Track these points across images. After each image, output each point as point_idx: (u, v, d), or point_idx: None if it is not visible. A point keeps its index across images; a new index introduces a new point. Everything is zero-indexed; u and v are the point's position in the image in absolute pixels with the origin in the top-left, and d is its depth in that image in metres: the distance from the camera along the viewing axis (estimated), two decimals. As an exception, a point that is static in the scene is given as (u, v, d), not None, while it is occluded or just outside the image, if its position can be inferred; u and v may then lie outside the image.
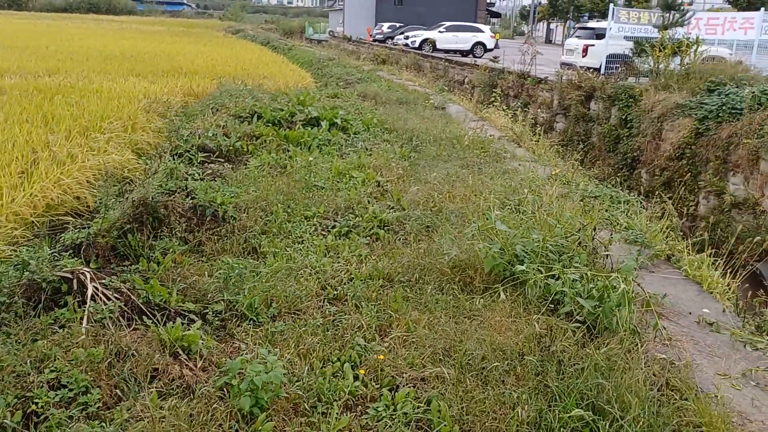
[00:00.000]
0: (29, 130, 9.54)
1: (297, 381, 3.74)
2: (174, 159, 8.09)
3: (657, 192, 14.95)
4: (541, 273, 4.75)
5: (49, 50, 24.20)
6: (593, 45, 21.13)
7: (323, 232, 6.36)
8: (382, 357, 3.90)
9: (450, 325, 4.36)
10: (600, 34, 20.95)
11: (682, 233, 10.82)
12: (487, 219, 5.80)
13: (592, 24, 25.94)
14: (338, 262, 5.57)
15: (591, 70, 19.63)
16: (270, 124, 10.69)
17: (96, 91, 14.27)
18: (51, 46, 26.48)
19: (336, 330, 4.41)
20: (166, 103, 13.98)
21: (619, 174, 16.84)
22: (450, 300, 4.70)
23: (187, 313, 4.32)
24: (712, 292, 5.71)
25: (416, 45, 36.20)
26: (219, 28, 63.05)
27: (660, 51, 16.81)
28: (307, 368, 3.86)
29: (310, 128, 10.53)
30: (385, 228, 6.51)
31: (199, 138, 9.01)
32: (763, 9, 19.09)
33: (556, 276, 4.69)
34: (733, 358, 4.58)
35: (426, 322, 4.41)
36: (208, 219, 5.94)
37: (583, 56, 21.28)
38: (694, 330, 5.03)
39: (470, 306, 4.64)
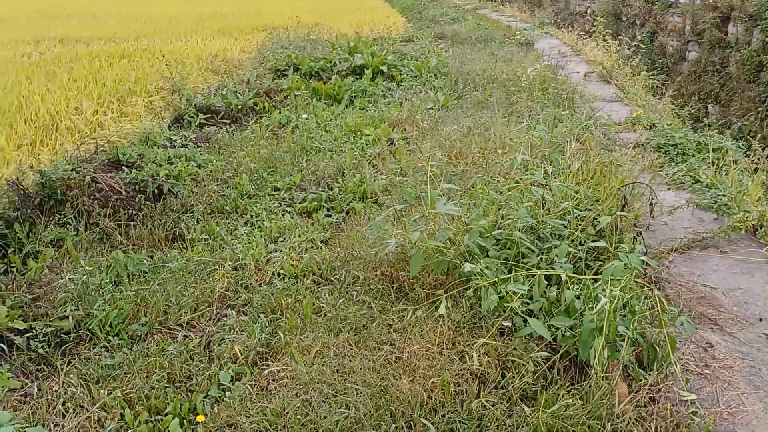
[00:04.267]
0: (66, 96, 9.11)
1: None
2: (172, 122, 7.18)
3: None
4: (503, 274, 3.24)
5: (149, 15, 24.44)
6: (735, -46, 17.59)
7: (287, 209, 5.14)
8: (202, 417, 2.68)
9: (345, 358, 3.02)
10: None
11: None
12: (479, 187, 4.31)
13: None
14: (282, 250, 4.36)
15: (732, -15, 16.35)
16: (306, 76, 9.50)
17: (164, 53, 13.89)
18: (151, 10, 26.89)
19: (203, 358, 3.23)
20: (231, 61, 13.28)
21: (760, 109, 13.95)
22: (364, 314, 3.32)
23: (13, 337, 3.33)
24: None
25: (538, -24, 32.94)
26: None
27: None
28: (112, 426, 2.73)
29: (351, 78, 9.21)
30: (369, 200, 5.18)
31: (213, 96, 8.04)
32: None
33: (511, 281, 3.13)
34: (809, 408, 2.86)
35: (318, 349, 3.10)
36: (142, 198, 4.90)
37: (723, -31, 17.83)
38: (761, 349, 3.29)
39: (393, 323, 3.24)
